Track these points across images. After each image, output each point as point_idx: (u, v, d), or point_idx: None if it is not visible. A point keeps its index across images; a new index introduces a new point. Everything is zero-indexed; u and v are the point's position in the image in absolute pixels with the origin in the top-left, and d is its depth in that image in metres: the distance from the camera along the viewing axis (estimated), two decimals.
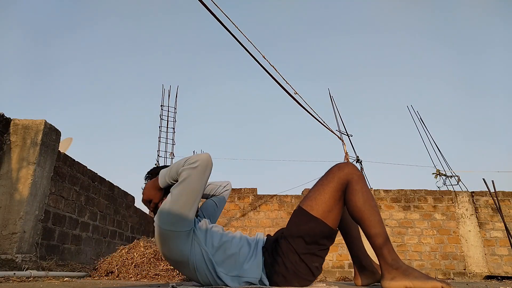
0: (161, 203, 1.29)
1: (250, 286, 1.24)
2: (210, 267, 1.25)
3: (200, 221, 1.36)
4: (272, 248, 1.31)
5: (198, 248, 1.25)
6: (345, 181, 1.29)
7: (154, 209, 1.33)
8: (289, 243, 1.28)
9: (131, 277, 2.48)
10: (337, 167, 1.33)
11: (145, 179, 1.42)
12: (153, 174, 1.41)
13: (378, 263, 1.33)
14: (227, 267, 1.27)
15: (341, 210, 1.33)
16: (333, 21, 19.23)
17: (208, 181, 1.57)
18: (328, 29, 19.55)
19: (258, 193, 5.55)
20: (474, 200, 5.31)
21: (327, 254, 1.35)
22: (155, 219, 1.24)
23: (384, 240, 1.24)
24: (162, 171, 1.28)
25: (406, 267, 1.21)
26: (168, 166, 1.38)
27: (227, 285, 1.24)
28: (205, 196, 1.62)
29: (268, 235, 1.40)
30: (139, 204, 5.17)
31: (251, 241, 1.35)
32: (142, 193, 1.34)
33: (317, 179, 1.38)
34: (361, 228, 1.30)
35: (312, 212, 1.29)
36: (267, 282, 1.26)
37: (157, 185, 1.29)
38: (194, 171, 1.19)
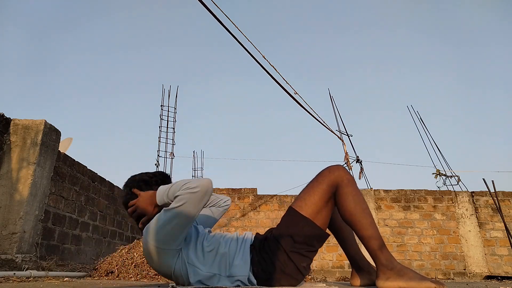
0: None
1: (247, 287, 1.24)
2: (194, 278, 1.25)
3: (197, 227, 1.37)
4: (260, 246, 1.31)
5: (184, 263, 1.25)
6: (335, 184, 1.31)
7: (136, 219, 1.32)
8: (278, 241, 1.28)
9: (131, 277, 2.48)
10: (327, 170, 1.35)
11: (127, 188, 1.38)
12: (132, 183, 1.37)
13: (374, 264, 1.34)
14: (218, 268, 1.27)
15: (330, 212, 1.35)
16: (333, 21, 19.23)
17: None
18: (328, 28, 19.54)
19: (258, 193, 5.55)
20: (474, 200, 5.31)
21: (315, 255, 1.36)
22: (144, 233, 1.24)
23: (377, 242, 1.25)
24: (161, 189, 1.26)
25: (400, 268, 1.22)
26: (159, 180, 1.37)
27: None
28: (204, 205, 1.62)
29: (257, 234, 1.40)
30: None
31: (239, 239, 1.36)
32: (136, 205, 1.30)
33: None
34: (354, 231, 1.31)
35: (302, 213, 1.30)
36: (254, 281, 1.26)
37: (155, 201, 1.27)
38: (193, 196, 1.17)
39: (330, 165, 1.38)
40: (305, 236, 1.28)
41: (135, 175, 1.42)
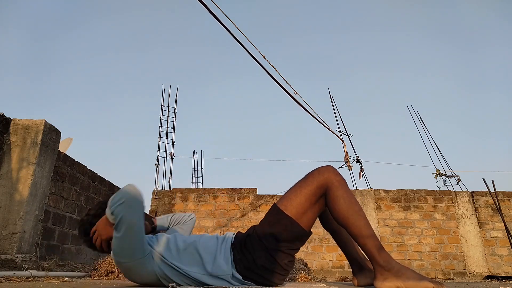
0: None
1: (242, 287, 1.25)
2: (180, 272, 1.26)
3: (158, 237, 1.37)
4: (242, 244, 1.31)
5: (162, 262, 1.27)
6: (324, 186, 1.29)
7: (107, 247, 1.34)
8: (260, 239, 1.28)
9: None
10: (317, 171, 1.33)
11: (82, 234, 1.44)
12: (84, 227, 1.42)
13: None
14: (198, 266, 1.27)
15: (316, 214, 1.34)
16: (333, 21, 19.23)
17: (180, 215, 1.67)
18: (328, 28, 19.55)
19: (258, 193, 5.54)
20: (474, 200, 5.31)
21: (296, 253, 1.36)
22: (112, 256, 1.27)
23: (374, 242, 1.24)
24: (106, 210, 1.26)
25: (399, 268, 1.21)
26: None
27: (206, 284, 1.25)
28: (170, 226, 1.67)
29: (238, 233, 1.41)
30: None
31: (219, 238, 1.37)
32: (99, 239, 1.32)
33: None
34: (349, 234, 1.30)
35: (286, 212, 1.29)
36: (239, 277, 1.26)
37: (109, 221, 1.27)
38: (123, 207, 1.17)
39: (320, 166, 1.35)
40: (287, 236, 1.28)
41: (80, 220, 1.47)
